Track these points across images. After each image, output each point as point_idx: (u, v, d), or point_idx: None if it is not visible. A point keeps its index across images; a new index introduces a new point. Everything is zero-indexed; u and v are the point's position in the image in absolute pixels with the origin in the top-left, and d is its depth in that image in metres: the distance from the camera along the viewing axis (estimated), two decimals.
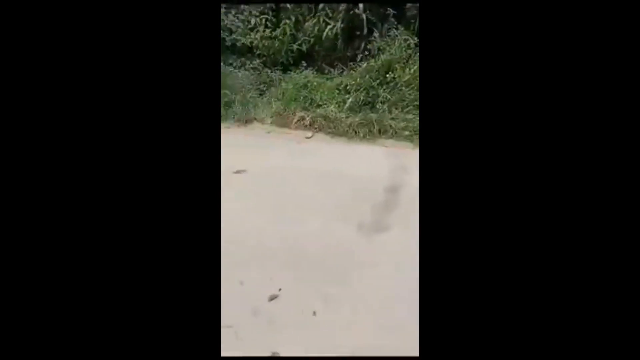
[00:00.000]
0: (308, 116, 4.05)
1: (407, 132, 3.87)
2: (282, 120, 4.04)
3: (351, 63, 5.25)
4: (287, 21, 5.48)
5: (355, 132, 3.83)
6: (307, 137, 3.83)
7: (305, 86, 4.79)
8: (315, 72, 5.36)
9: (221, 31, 5.67)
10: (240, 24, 5.84)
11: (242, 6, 5.91)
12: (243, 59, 5.76)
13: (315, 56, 5.78)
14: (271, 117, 4.11)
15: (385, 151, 3.56)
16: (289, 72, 5.48)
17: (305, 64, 5.52)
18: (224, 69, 5.29)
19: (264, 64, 5.68)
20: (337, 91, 4.64)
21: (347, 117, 4.09)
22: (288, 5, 5.59)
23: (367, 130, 3.85)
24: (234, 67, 5.55)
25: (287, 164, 3.25)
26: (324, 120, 4.01)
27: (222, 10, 5.87)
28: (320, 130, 3.96)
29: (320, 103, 4.37)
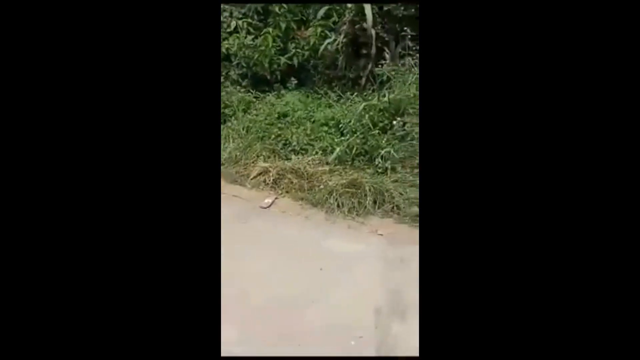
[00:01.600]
0: (274, 168, 2.70)
1: (415, 210, 2.53)
2: (235, 171, 2.69)
3: (355, 88, 3.94)
4: (271, 29, 4.16)
5: (339, 205, 2.49)
6: (263, 207, 2.47)
7: (283, 116, 3.45)
8: (307, 94, 4.06)
9: None
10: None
11: (224, 5, 4.61)
12: None
13: (312, 72, 4.48)
14: (222, 164, 2.76)
15: (379, 244, 2.21)
16: (269, 92, 4.17)
17: (295, 82, 4.22)
18: None
19: (244, 77, 4.39)
20: (325, 128, 3.31)
21: (330, 175, 2.75)
22: (277, 9, 4.28)
23: (356, 202, 2.51)
24: None
25: None
26: (296, 177, 2.67)
27: None
28: (288, 192, 2.61)
29: (296, 147, 3.03)
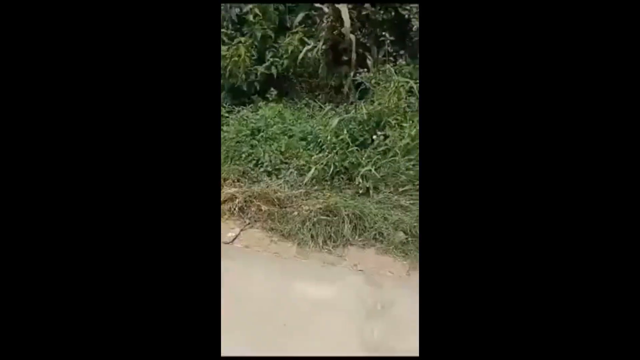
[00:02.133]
0: (241, 194, 2.35)
1: (400, 236, 2.17)
2: None
3: (338, 97, 3.62)
4: (244, 39, 3.83)
5: (313, 235, 2.12)
6: (226, 242, 2.11)
7: (256, 132, 3.11)
8: (287, 105, 3.74)
9: None
10: None
11: None
12: None
13: (293, 82, 4.15)
14: None
15: (357, 284, 1.85)
16: (247, 105, 3.83)
17: (275, 92, 3.91)
18: None
19: (221, 89, 4.05)
20: (302, 144, 2.96)
21: (305, 199, 2.39)
22: (251, 17, 3.95)
23: (333, 231, 2.15)
24: None
25: None
26: (265, 203, 2.31)
27: None
28: (256, 221, 2.25)
29: (269, 167, 2.67)
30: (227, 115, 3.39)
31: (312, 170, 2.46)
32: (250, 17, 3.94)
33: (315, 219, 2.17)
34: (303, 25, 3.96)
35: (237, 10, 4.09)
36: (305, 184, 2.46)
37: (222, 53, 3.84)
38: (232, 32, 4.06)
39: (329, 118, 3.06)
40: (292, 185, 2.52)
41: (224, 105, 3.61)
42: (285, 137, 3.04)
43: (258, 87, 4.02)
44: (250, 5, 3.99)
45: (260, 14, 3.97)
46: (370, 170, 2.39)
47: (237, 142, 2.87)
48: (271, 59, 4.02)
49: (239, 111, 3.61)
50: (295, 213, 2.25)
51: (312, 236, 2.11)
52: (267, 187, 2.42)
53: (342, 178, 2.56)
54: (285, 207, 2.31)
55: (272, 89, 3.97)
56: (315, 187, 2.50)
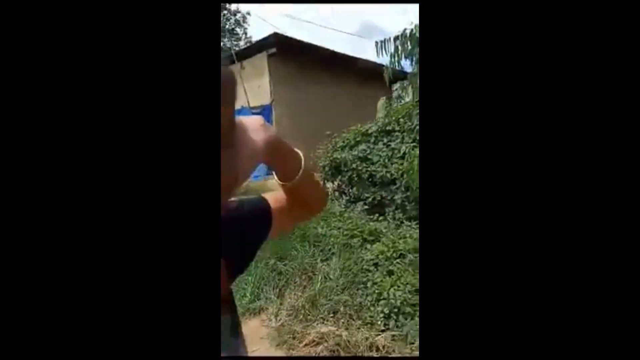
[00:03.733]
0: (333, 338, 1.74)
1: None
2: (293, 331, 1.95)
3: None
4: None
5: None
6: None
7: (402, 255, 2.41)
8: None
9: (359, 161, 4.32)
10: (388, 152, 4.27)
11: (397, 133, 4.38)
12: (383, 193, 4.02)
13: None
14: (289, 313, 2.09)
15: None
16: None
17: None
18: (332, 206, 3.73)
19: (409, 201, 3.71)
20: None
21: None
22: None
23: None
24: (349, 204, 3.87)
25: None
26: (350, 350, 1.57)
27: (372, 139, 4.55)
28: None
29: (386, 308, 1.90)
30: (384, 230, 2.94)
31: None
32: None
33: None
34: None
35: None
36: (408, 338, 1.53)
37: (411, 167, 3.59)
38: (415, 144, 3.79)
39: None
40: (412, 343, 1.65)
41: (391, 218, 3.20)
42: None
43: None
44: None
45: None
46: None
47: (371, 265, 2.34)
48: None
49: (408, 226, 3.07)
50: None
51: None
52: (370, 337, 1.70)
53: None
54: None
55: None
56: None
